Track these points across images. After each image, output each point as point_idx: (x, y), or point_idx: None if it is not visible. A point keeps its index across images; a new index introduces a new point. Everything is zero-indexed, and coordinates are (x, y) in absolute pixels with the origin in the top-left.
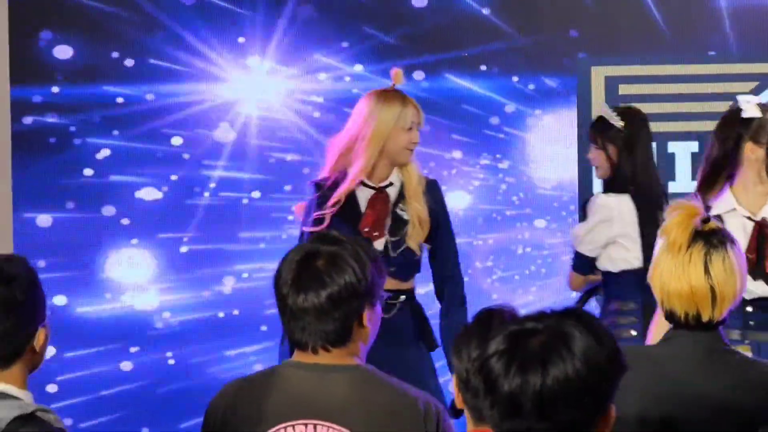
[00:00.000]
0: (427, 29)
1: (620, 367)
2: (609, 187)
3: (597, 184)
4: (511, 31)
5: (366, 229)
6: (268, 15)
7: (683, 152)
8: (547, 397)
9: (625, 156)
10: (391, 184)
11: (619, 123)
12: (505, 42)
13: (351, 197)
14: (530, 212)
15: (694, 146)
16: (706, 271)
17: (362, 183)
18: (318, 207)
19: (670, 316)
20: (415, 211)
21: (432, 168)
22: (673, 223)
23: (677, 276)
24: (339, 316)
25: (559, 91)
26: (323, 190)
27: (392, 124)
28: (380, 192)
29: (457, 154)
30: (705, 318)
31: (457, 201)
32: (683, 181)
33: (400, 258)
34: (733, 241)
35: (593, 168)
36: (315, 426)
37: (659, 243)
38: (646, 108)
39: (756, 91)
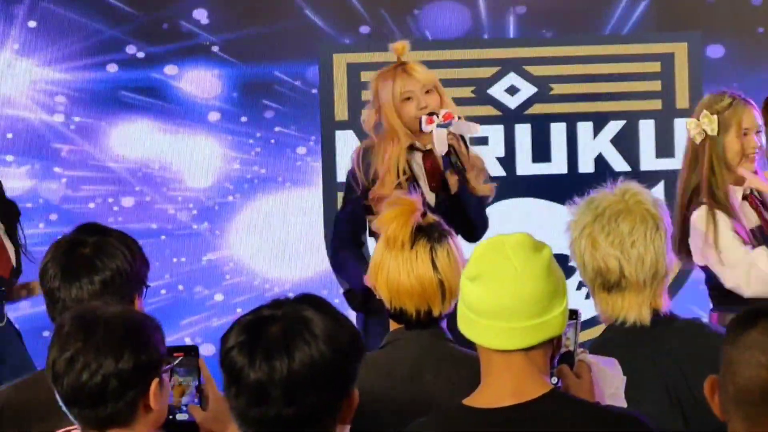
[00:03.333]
0: None
1: (361, 348)
2: None
3: None
4: None
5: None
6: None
7: None
8: (294, 381)
9: None
10: None
11: None
12: None
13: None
14: None
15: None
16: (434, 266)
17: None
18: None
19: (399, 314)
20: None
21: None
22: (389, 217)
23: (406, 273)
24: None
25: None
26: None
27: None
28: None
29: None
30: (436, 313)
31: None
32: None
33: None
34: (450, 234)
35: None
36: None
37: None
38: None
39: (498, 76)
